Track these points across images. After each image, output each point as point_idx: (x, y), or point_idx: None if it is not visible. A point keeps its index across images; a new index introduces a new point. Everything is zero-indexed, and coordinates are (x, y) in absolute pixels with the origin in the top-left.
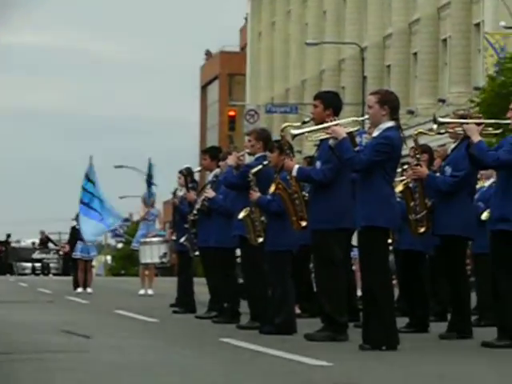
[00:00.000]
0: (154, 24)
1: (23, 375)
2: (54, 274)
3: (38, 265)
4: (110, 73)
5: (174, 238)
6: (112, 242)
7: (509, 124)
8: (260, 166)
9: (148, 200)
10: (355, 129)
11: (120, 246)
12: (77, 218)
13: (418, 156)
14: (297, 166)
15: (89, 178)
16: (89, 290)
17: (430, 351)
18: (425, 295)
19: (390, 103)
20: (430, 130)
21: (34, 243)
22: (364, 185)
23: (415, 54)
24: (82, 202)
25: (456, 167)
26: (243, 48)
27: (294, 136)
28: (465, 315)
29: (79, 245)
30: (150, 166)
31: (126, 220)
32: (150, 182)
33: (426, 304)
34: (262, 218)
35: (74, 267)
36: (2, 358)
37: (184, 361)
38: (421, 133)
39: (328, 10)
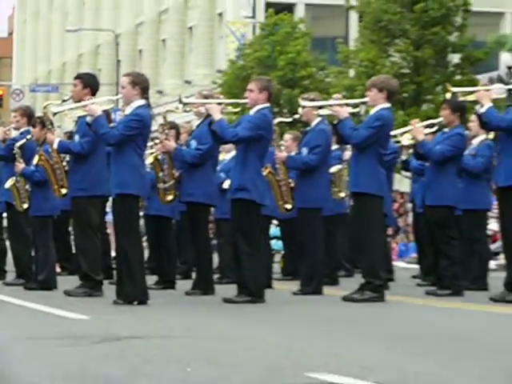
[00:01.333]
0: None
1: None
2: None
3: None
4: None
5: None
6: None
7: (247, 103)
8: (24, 140)
9: None
10: (110, 107)
11: None
12: None
13: (166, 131)
14: (57, 140)
15: None
16: None
17: (177, 306)
18: (172, 256)
19: (140, 84)
20: (177, 108)
21: None
22: (117, 157)
23: (164, 40)
24: None
25: (200, 141)
26: (11, 33)
27: (55, 113)
28: (207, 274)
29: None
30: None
31: None
32: None
33: (173, 263)
34: (27, 187)
35: None
36: None
37: None
38: (169, 111)
39: (87, 1)
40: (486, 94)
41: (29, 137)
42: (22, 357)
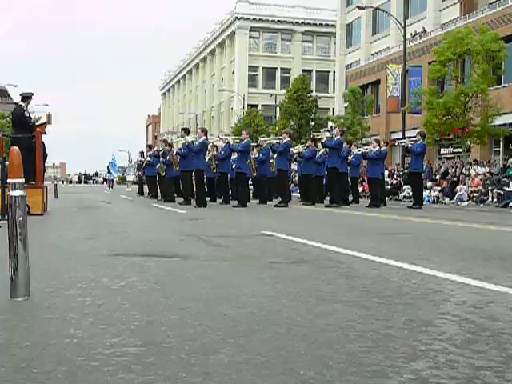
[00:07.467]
0: None
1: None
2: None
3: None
4: None
5: None
6: None
7: (242, 138)
8: (163, 150)
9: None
10: (193, 138)
11: None
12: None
13: (213, 148)
14: (174, 150)
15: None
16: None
17: (215, 209)
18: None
19: (204, 131)
20: (217, 141)
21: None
22: (198, 155)
23: (213, 116)
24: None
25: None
26: (159, 114)
27: (174, 142)
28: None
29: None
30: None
31: None
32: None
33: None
34: (164, 167)
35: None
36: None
37: None
38: (213, 141)
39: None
40: (323, 135)
41: (165, 149)
42: (165, 225)
